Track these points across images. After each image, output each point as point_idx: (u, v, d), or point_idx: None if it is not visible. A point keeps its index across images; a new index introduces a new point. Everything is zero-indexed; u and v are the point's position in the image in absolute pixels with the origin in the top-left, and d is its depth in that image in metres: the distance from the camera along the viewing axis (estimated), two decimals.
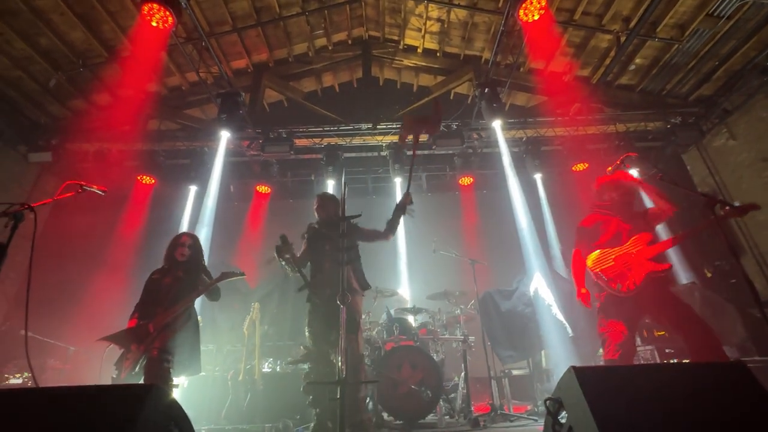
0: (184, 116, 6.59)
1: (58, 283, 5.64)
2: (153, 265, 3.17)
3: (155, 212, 6.52)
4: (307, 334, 2.87)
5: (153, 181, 6.27)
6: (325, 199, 3.26)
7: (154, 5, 3.71)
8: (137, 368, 2.64)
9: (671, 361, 4.02)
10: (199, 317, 3.12)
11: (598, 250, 2.70)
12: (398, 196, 6.80)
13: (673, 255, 5.74)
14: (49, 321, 4.94)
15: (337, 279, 2.81)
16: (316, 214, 3.25)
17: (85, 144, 6.10)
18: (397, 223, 3.01)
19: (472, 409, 3.84)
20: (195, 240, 3.21)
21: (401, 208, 2.97)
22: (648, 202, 5.04)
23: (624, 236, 2.68)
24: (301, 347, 2.91)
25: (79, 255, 6.02)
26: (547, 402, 1.54)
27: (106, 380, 2.70)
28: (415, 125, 3.00)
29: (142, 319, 2.81)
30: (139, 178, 6.24)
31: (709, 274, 5.80)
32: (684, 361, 4.07)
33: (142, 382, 2.58)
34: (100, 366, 2.99)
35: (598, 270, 2.63)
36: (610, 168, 2.73)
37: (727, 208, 2.29)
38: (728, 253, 2.09)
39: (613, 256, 2.63)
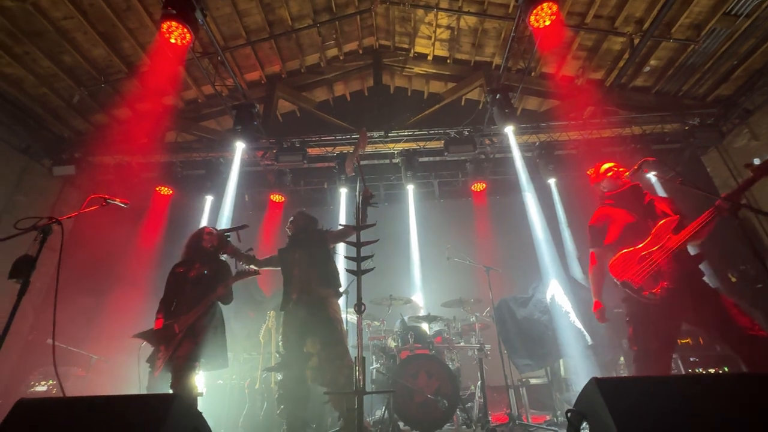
0: (200, 128, 6.75)
1: (79, 292, 5.79)
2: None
3: (173, 222, 6.66)
4: (279, 342, 2.93)
5: (171, 191, 6.42)
6: (297, 216, 3.49)
7: (173, 23, 3.83)
8: (168, 369, 2.68)
9: (697, 371, 3.89)
10: None
11: (619, 254, 2.38)
12: (411, 203, 6.80)
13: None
14: (72, 330, 5.07)
15: (303, 284, 2.96)
16: (288, 231, 3.46)
17: (106, 157, 6.30)
18: (365, 215, 3.04)
19: (490, 419, 3.78)
20: (220, 232, 3.30)
21: (365, 201, 3.00)
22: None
23: (641, 229, 2.39)
24: (276, 354, 2.96)
25: (100, 265, 6.18)
26: (569, 414, 1.51)
27: (144, 376, 2.77)
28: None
29: (167, 318, 2.86)
30: (157, 189, 6.40)
31: (733, 279, 5.61)
32: (712, 370, 3.93)
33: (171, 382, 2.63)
34: (138, 362, 3.07)
35: (625, 279, 2.30)
36: (627, 173, 2.66)
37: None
38: (753, 257, 1.95)
39: (637, 258, 2.30)
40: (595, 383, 1.35)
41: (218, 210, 6.10)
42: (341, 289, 3.19)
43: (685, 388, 1.35)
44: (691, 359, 3.98)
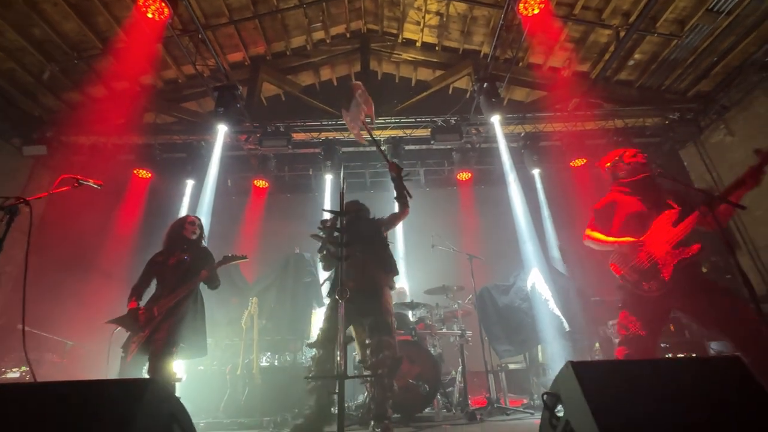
0: (181, 109, 6.54)
1: (55, 277, 5.61)
2: (149, 257, 3.15)
3: (152, 206, 6.49)
4: (322, 326, 2.82)
5: (149, 175, 6.23)
6: (349, 205, 3.19)
7: None
8: (143, 352, 2.63)
9: (666, 356, 4.06)
10: None
11: (615, 244, 2.37)
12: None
13: None
14: (46, 315, 4.92)
15: (359, 272, 2.81)
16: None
17: (80, 137, 6.04)
18: (404, 193, 2.99)
19: (469, 402, 3.87)
20: (201, 222, 3.25)
21: (398, 178, 2.96)
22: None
23: (645, 221, 2.35)
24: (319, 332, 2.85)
25: (76, 249, 5.99)
26: (545, 396, 1.56)
27: (114, 362, 2.70)
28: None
29: (139, 298, 2.82)
30: (135, 172, 6.20)
31: (705, 270, 5.84)
32: (681, 355, 4.12)
33: (146, 367, 2.58)
34: (108, 351, 3.00)
35: (623, 273, 2.32)
36: (609, 164, 2.70)
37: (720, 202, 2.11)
38: (724, 249, 2.01)
39: (636, 252, 2.30)
40: (571, 367, 1.39)
41: (199, 194, 5.95)
42: (396, 278, 3.07)
43: (654, 371, 1.40)
44: (663, 345, 4.15)
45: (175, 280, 2.86)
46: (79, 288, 5.66)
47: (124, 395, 1.36)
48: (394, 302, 4.55)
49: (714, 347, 4.20)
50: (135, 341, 2.64)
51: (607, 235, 2.45)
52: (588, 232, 2.57)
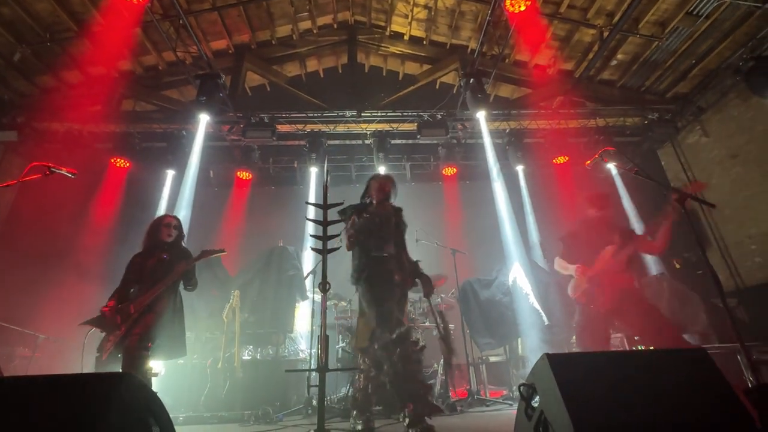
0: (161, 97, 6.34)
1: (26, 269, 5.41)
2: (128, 249, 3.09)
3: (130, 196, 6.30)
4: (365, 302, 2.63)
5: (128, 164, 6.04)
6: (387, 182, 3.00)
7: None
8: (120, 350, 2.57)
9: (638, 348, 4.20)
10: None
11: (572, 273, 3.10)
12: None
13: None
14: (17, 308, 4.75)
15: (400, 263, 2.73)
16: (375, 196, 2.93)
17: (54, 123, 5.80)
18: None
19: (450, 394, 3.94)
20: (179, 221, 3.17)
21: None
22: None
23: (596, 252, 3.02)
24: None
25: (50, 240, 5.77)
26: (521, 387, 1.59)
27: (89, 366, 2.62)
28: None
29: (121, 301, 2.74)
30: (112, 161, 6.00)
31: (678, 266, 6.07)
32: (652, 348, 4.27)
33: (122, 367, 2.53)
34: (82, 352, 2.90)
35: (576, 296, 3.06)
36: (588, 162, 2.77)
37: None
38: (695, 246, 2.21)
39: (585, 279, 3.00)
40: (546, 359, 1.42)
41: (180, 185, 5.81)
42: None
43: (625, 362, 1.46)
44: (636, 338, 4.29)
45: (154, 278, 2.81)
46: (53, 281, 5.47)
47: (97, 389, 1.33)
48: None
49: (684, 339, 4.37)
50: (111, 339, 2.58)
51: (569, 262, 3.18)
52: (556, 260, 3.32)
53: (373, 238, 2.67)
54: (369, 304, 2.52)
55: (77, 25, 5.13)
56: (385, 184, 2.87)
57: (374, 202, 2.83)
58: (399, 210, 2.98)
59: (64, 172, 2.34)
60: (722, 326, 4.21)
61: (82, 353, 2.59)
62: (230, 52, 6.61)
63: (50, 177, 2.35)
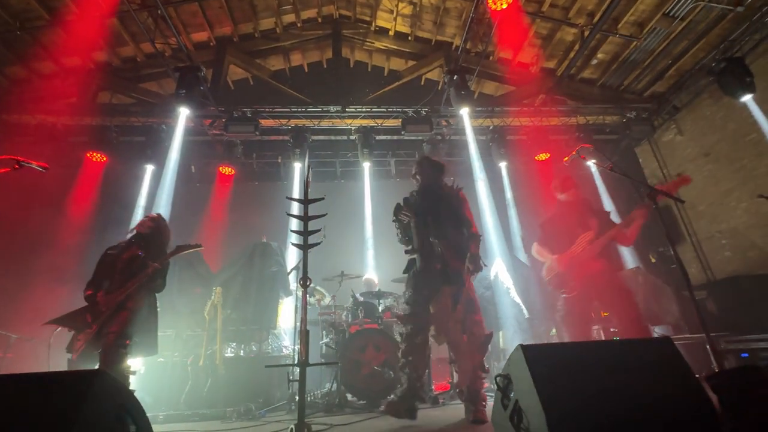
0: (139, 90, 6.17)
1: None
2: (104, 247, 3.01)
3: (107, 191, 6.11)
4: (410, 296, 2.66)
5: (104, 158, 5.86)
6: (423, 163, 3.09)
7: None
8: (91, 349, 2.51)
9: (615, 338, 4.35)
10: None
11: (549, 260, 3.10)
12: (366, 181, 6.74)
13: None
14: None
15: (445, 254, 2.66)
16: (415, 180, 3.03)
17: (25, 116, 5.58)
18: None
19: (433, 387, 3.99)
20: (161, 220, 3.13)
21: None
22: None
23: (573, 238, 3.00)
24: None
25: (22, 237, 5.57)
26: (497, 378, 1.63)
27: (56, 366, 2.55)
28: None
29: (97, 292, 2.69)
30: (88, 155, 5.81)
31: (653, 260, 6.28)
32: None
33: (97, 364, 2.47)
34: (48, 352, 2.82)
35: (548, 279, 3.09)
36: (566, 158, 2.84)
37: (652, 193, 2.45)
38: (666, 241, 2.31)
39: (558, 263, 3.00)
40: (521, 349, 1.47)
41: (159, 180, 5.67)
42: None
43: (596, 352, 1.51)
44: (612, 330, 4.42)
45: (126, 275, 2.76)
46: (26, 279, 5.29)
47: (69, 388, 1.30)
48: (362, 291, 4.61)
49: (658, 331, 4.53)
50: (81, 338, 2.52)
51: (547, 248, 3.17)
52: (534, 245, 3.31)
53: None
54: None
55: (49, 13, 4.94)
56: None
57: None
58: None
59: (34, 165, 2.25)
60: (693, 318, 4.38)
61: (48, 353, 2.52)
62: (212, 44, 6.47)
63: (20, 171, 2.26)
